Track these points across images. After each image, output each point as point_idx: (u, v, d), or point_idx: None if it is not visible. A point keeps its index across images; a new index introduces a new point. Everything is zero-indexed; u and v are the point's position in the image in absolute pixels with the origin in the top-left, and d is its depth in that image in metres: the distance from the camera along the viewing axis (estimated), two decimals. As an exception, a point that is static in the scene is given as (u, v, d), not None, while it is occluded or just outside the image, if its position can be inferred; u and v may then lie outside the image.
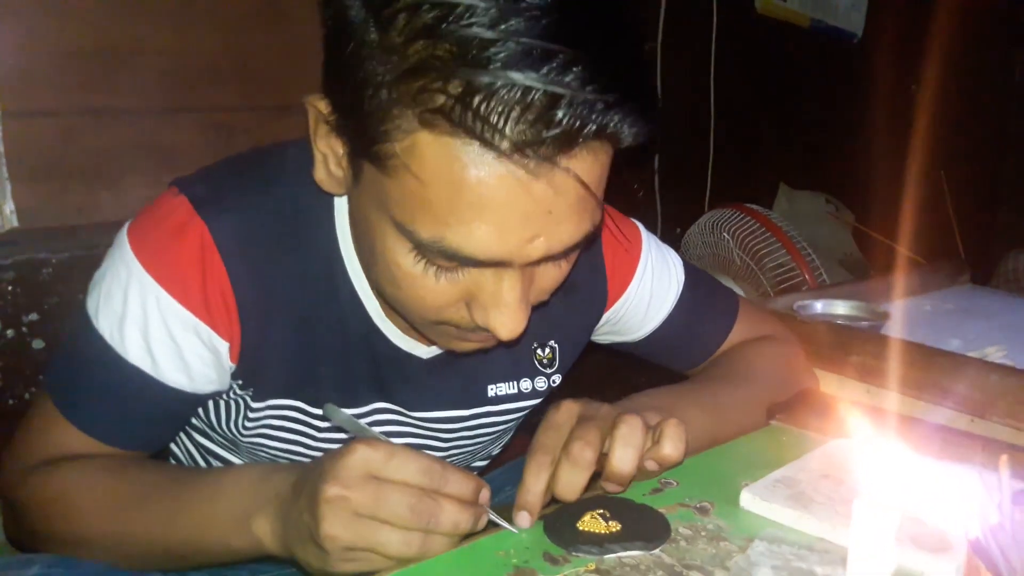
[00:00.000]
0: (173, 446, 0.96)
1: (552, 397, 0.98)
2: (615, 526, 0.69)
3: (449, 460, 0.93)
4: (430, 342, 0.84)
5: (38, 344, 1.25)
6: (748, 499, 0.73)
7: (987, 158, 2.40)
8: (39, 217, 1.27)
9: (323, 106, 0.65)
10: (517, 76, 0.53)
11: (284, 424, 0.83)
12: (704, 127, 2.24)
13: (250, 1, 1.39)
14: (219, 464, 0.93)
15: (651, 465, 0.72)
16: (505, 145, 0.56)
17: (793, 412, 0.91)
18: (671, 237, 2.08)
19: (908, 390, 1.00)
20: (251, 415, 0.81)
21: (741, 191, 2.15)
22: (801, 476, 0.76)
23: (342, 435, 0.84)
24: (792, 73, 2.46)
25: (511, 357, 0.90)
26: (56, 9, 1.22)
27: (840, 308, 1.19)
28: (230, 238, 0.74)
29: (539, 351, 0.92)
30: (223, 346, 0.76)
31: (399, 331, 0.83)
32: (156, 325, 0.74)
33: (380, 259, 0.67)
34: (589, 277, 0.93)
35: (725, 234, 1.75)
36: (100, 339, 0.75)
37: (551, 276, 0.70)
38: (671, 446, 0.71)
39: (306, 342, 0.79)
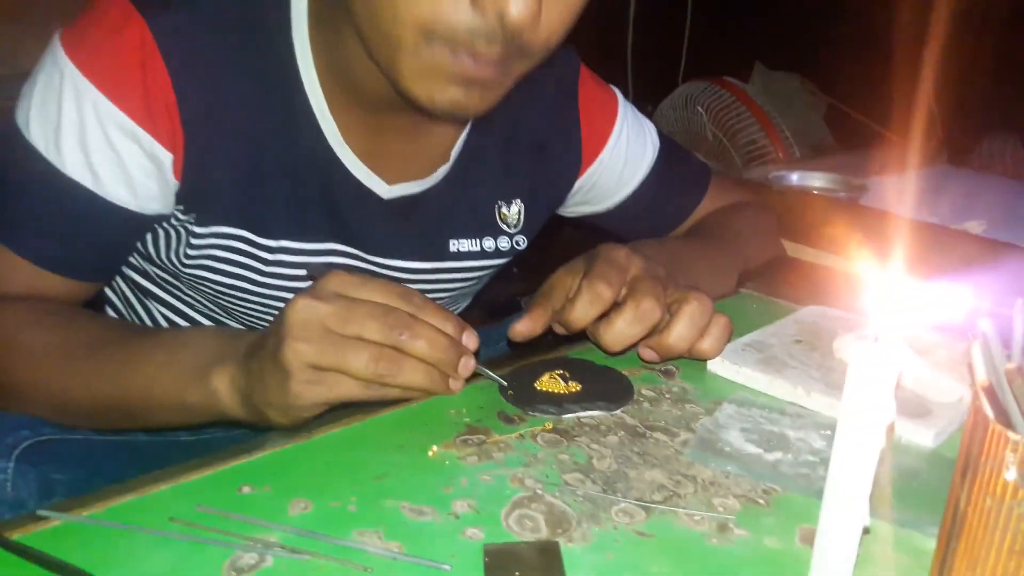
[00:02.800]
0: (108, 290, 0.90)
1: (519, 274, 0.93)
2: (575, 386, 0.65)
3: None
4: (390, 180, 0.78)
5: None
6: (716, 363, 0.69)
7: (967, 36, 2.33)
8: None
9: None
10: None
11: (228, 256, 0.76)
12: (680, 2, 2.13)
13: None
14: (158, 307, 0.87)
15: (685, 353, 0.68)
16: None
17: (764, 280, 0.87)
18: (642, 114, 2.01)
19: (887, 263, 0.95)
20: (193, 242, 0.75)
21: (715, 70, 2.06)
22: (772, 341, 0.72)
23: (291, 270, 0.78)
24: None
25: (473, 211, 0.85)
26: None
27: (816, 180, 1.14)
28: (172, 39, 0.68)
29: (503, 209, 0.87)
30: (166, 157, 0.70)
31: (357, 159, 0.76)
32: (94, 132, 0.68)
33: None
34: (563, 136, 0.89)
35: (699, 108, 1.68)
36: (34, 152, 0.68)
37: None
38: (712, 344, 0.67)
39: (255, 163, 0.73)
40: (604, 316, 0.66)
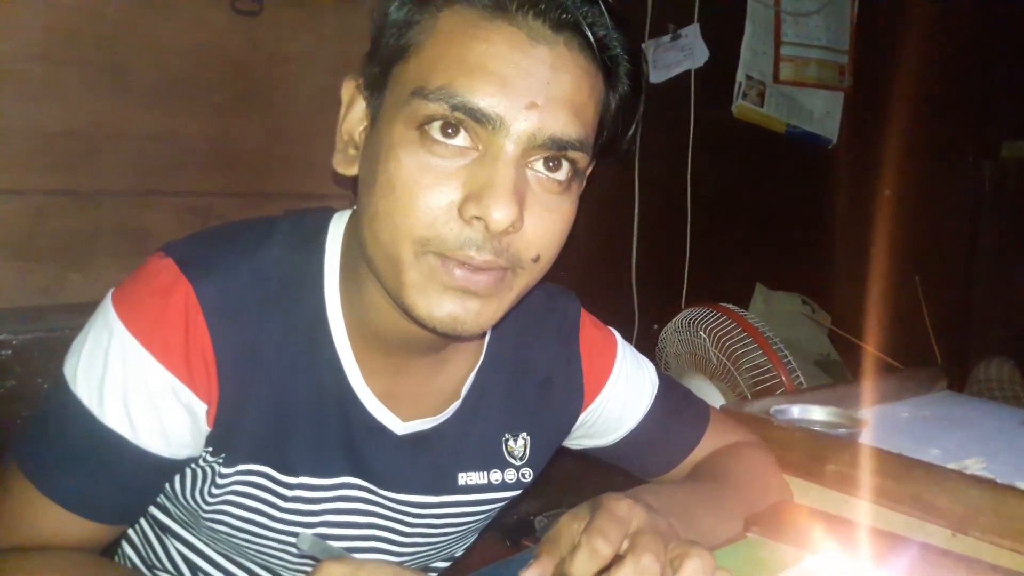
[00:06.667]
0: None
1: (525, 497, 0.95)
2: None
3: (411, 553, 0.91)
4: (405, 417, 0.83)
5: (-9, 428, 1.20)
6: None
7: (959, 266, 2.44)
8: (3, 296, 1.24)
9: (354, 78, 0.75)
10: None
11: (250, 491, 0.80)
12: (681, 225, 2.26)
13: (234, 88, 1.40)
14: (175, 543, 0.89)
15: None
16: (504, 7, 0.66)
17: (770, 525, 0.88)
18: (647, 333, 2.07)
19: (887, 502, 0.97)
20: (219, 481, 0.79)
21: (718, 289, 2.15)
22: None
23: (307, 506, 0.81)
24: (768, 175, 2.50)
25: (481, 445, 0.89)
26: (37, 91, 1.22)
27: (817, 414, 1.17)
28: (215, 299, 0.74)
29: (510, 442, 0.91)
30: (201, 408, 0.75)
31: (376, 399, 0.81)
32: (135, 386, 0.73)
33: (383, 168, 0.69)
34: (566, 373, 0.94)
35: (702, 333, 1.74)
36: (78, 404, 0.73)
37: (543, 207, 0.70)
38: None
39: (282, 404, 0.78)
40: (606, 570, 0.67)
